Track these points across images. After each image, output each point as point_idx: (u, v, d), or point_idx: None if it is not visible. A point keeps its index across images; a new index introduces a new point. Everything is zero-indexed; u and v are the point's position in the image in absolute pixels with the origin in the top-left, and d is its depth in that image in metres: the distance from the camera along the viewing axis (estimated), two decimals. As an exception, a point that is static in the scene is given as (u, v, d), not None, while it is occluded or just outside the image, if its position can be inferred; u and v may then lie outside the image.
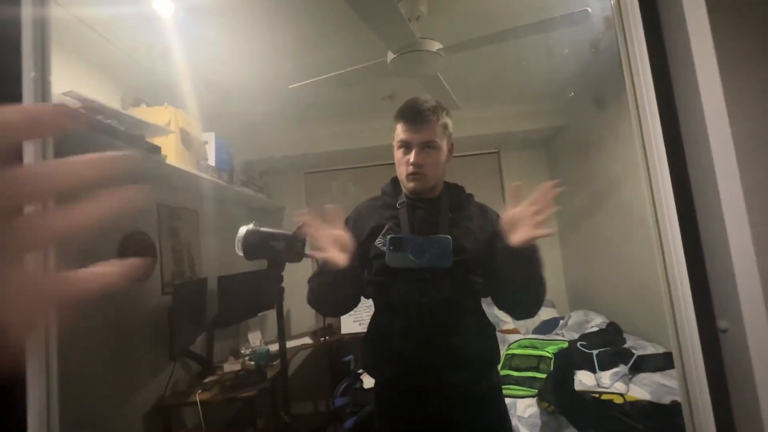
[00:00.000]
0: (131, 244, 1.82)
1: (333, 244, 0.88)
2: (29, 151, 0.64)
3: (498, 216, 1.06)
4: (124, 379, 1.73)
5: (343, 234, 0.89)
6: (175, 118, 1.89)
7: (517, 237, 0.83)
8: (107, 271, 0.23)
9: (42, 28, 0.68)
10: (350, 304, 1.00)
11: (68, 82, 1.52)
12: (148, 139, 1.65)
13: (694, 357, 0.48)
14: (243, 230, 1.25)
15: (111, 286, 0.23)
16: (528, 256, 0.85)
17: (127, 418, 1.72)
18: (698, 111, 0.49)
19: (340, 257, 0.86)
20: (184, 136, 1.95)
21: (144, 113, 1.78)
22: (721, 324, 0.51)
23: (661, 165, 0.51)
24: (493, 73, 2.43)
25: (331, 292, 0.94)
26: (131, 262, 0.24)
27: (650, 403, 1.49)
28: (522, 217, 0.83)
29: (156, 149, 1.64)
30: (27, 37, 0.70)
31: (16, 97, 0.80)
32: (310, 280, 1.02)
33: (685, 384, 0.50)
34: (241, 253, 1.24)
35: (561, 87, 2.62)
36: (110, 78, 1.87)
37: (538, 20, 1.50)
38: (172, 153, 1.84)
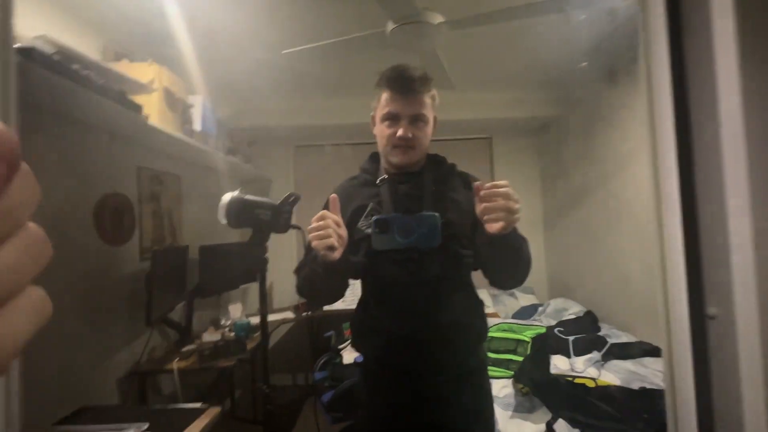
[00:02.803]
0: (109, 206, 1.74)
1: (337, 236, 0.83)
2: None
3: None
4: (99, 344, 1.69)
5: (343, 227, 0.85)
6: (159, 77, 1.79)
7: (487, 227, 0.81)
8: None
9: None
10: (342, 293, 0.97)
11: (43, 26, 1.41)
12: (129, 96, 1.55)
13: (682, 342, 0.48)
14: (227, 197, 1.20)
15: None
16: (504, 242, 0.82)
17: (100, 382, 1.69)
18: (712, 98, 0.47)
19: (338, 250, 0.82)
20: (168, 96, 1.86)
21: (126, 68, 1.67)
22: (711, 311, 0.51)
23: (667, 143, 0.50)
24: (490, 57, 2.38)
25: (323, 284, 0.90)
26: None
27: (620, 389, 1.54)
28: (481, 210, 0.82)
29: (137, 107, 1.55)
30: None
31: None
32: (298, 271, 0.98)
33: (671, 368, 0.50)
34: (224, 221, 1.19)
35: (557, 76, 2.58)
36: (91, 27, 1.75)
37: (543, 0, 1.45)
38: (154, 113, 1.75)
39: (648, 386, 1.53)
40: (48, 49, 1.14)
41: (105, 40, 1.81)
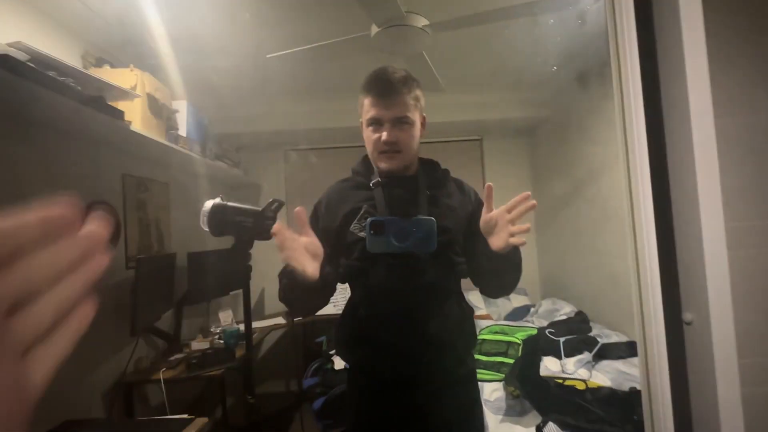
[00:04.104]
0: (94, 212, 1.71)
1: (305, 253, 0.80)
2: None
3: (476, 192, 1.04)
4: (83, 355, 1.65)
5: (313, 241, 0.82)
6: (141, 82, 1.77)
7: (494, 242, 0.81)
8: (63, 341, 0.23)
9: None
10: (322, 304, 0.95)
11: (19, 33, 1.39)
12: (110, 103, 1.53)
13: (657, 347, 0.47)
14: (209, 204, 1.18)
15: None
16: (507, 257, 0.83)
17: (85, 395, 1.66)
18: (683, 101, 0.47)
19: (312, 268, 0.80)
20: (151, 102, 1.83)
21: (107, 74, 1.65)
22: (687, 316, 0.50)
23: (640, 151, 0.49)
24: (479, 58, 2.38)
25: (301, 298, 0.88)
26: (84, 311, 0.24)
27: (610, 390, 1.54)
28: (498, 222, 0.81)
29: (118, 113, 1.53)
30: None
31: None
32: (281, 277, 0.95)
33: (646, 373, 0.50)
34: (206, 228, 1.17)
35: (547, 76, 2.59)
36: (70, 33, 1.72)
37: (528, 1, 1.45)
38: (137, 119, 1.73)
39: (638, 386, 1.53)
40: (22, 56, 1.12)
41: (86, 46, 1.78)
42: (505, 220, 0.80)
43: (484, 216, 0.83)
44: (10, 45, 1.12)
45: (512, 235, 0.78)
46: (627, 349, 1.89)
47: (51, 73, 1.21)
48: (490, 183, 0.81)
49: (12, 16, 1.47)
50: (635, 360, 1.82)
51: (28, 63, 1.12)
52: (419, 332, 0.91)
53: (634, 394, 1.46)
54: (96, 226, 0.24)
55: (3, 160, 1.32)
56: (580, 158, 2.63)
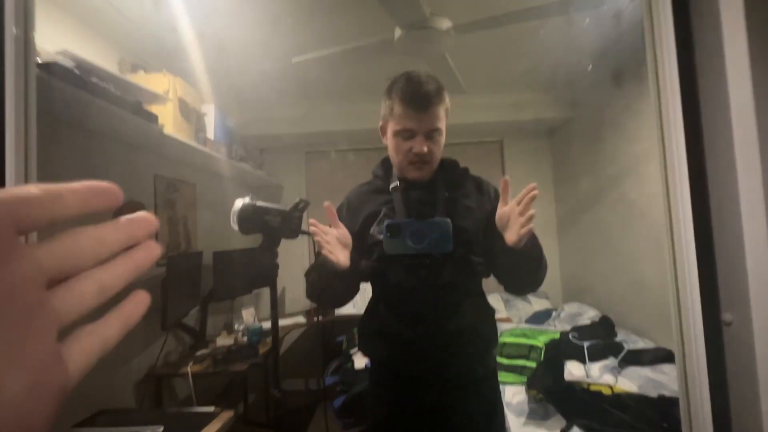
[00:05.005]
0: (126, 214, 1.79)
1: (338, 244, 0.87)
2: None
3: (496, 190, 1.04)
4: (117, 348, 1.72)
5: (344, 232, 0.88)
6: (173, 87, 1.84)
7: (509, 237, 0.82)
8: (106, 332, 0.21)
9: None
10: (351, 296, 0.98)
11: (63, 41, 1.47)
12: (145, 107, 1.60)
13: (696, 349, 0.47)
14: (239, 203, 1.23)
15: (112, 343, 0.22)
16: (524, 251, 0.83)
17: (119, 386, 1.73)
18: (723, 97, 0.46)
19: (344, 256, 0.86)
20: (182, 106, 1.91)
21: (141, 79, 1.73)
22: (726, 317, 0.50)
23: (678, 148, 0.49)
24: (498, 59, 2.37)
25: (332, 288, 0.92)
26: (131, 309, 0.23)
27: (638, 396, 1.50)
28: (510, 216, 0.82)
29: (153, 117, 1.60)
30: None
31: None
32: (308, 274, 0.99)
33: (684, 376, 0.49)
34: (235, 227, 1.22)
35: (569, 77, 2.55)
36: (107, 40, 1.81)
37: (555, 0, 1.44)
38: (169, 123, 1.80)
39: (667, 394, 1.49)
40: (68, 64, 1.19)
41: (122, 52, 1.87)
42: (515, 213, 0.81)
43: (499, 211, 0.84)
44: (58, 53, 1.19)
45: (522, 225, 0.79)
46: (655, 356, 1.83)
47: (93, 79, 1.28)
48: (507, 177, 0.82)
49: (56, 26, 1.56)
50: (664, 367, 1.76)
51: (73, 70, 1.19)
52: (438, 331, 0.92)
53: (664, 401, 1.42)
54: (144, 215, 0.22)
55: (45, 161, 1.40)
56: (606, 160, 2.57)
